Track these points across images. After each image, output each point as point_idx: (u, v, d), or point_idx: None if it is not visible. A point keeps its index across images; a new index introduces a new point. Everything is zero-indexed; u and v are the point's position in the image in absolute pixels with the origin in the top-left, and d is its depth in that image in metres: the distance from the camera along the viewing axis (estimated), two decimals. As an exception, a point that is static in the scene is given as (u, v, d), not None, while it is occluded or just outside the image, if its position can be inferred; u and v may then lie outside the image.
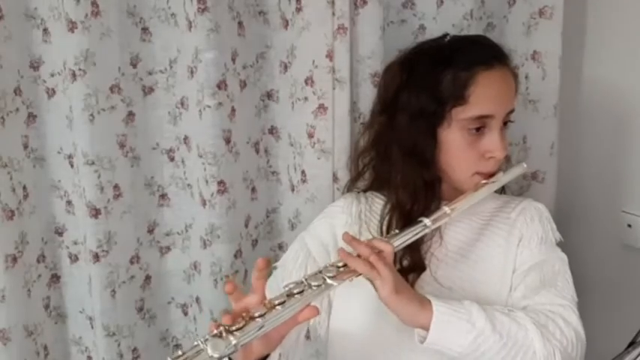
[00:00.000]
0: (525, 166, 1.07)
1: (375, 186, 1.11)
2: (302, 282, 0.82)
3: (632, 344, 0.75)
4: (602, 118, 1.30)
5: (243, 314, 0.77)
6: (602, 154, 1.31)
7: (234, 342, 0.73)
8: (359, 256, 0.85)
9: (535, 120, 1.29)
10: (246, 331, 0.75)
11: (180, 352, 0.72)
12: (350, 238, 0.87)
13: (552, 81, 1.28)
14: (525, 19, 1.27)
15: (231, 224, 1.22)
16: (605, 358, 0.75)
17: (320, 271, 0.84)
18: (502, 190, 1.12)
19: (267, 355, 0.86)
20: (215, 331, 0.74)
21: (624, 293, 1.28)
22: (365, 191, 1.12)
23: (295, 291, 0.80)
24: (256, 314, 0.77)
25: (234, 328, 0.75)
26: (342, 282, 0.84)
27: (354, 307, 0.97)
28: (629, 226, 1.25)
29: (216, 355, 0.71)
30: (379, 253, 0.85)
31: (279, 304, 0.78)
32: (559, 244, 1.02)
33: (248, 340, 0.75)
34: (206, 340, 0.73)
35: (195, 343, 0.73)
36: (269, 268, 0.83)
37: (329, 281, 0.82)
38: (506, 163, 1.10)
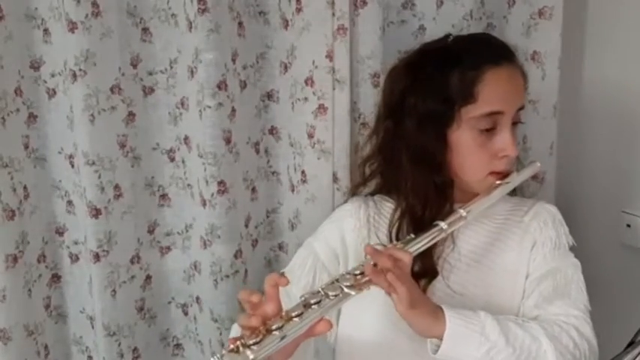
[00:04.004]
0: (539, 164, 1.06)
1: (383, 190, 1.10)
2: (319, 292, 0.80)
3: (631, 344, 0.75)
4: (601, 119, 1.30)
5: (260, 327, 0.76)
6: (602, 155, 1.32)
7: (251, 357, 0.72)
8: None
9: (535, 120, 1.29)
10: (263, 345, 0.74)
11: None
12: (372, 251, 0.85)
13: (552, 81, 1.28)
14: (525, 19, 1.27)
15: (231, 224, 1.22)
16: (605, 358, 0.76)
17: (337, 280, 0.82)
18: (513, 191, 1.11)
19: None
20: (232, 346, 0.73)
21: (623, 293, 1.28)
22: (373, 194, 1.12)
23: (312, 301, 0.79)
24: (274, 327, 0.75)
25: (251, 342, 0.73)
26: (360, 291, 0.82)
27: (366, 313, 0.96)
28: (629, 226, 1.25)
29: None
30: (397, 262, 0.84)
31: (296, 316, 0.77)
32: (570, 248, 1.01)
33: (266, 354, 0.74)
34: (222, 355, 0.72)
35: (212, 358, 0.72)
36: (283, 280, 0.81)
37: (347, 290, 0.81)
38: (517, 163, 1.10)
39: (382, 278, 0.82)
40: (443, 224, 0.91)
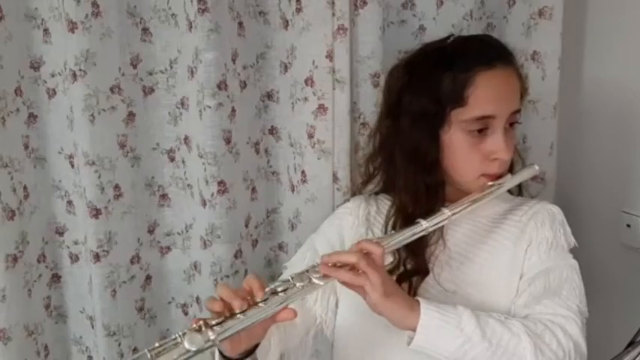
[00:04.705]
0: (537, 168, 1.05)
1: (384, 189, 1.12)
2: (288, 280, 0.82)
3: (631, 344, 0.75)
4: (601, 119, 1.30)
5: (225, 310, 0.78)
6: (602, 155, 1.32)
7: (212, 337, 0.74)
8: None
9: (534, 120, 1.29)
10: (225, 326, 0.76)
11: (157, 345, 0.73)
12: (329, 259, 0.85)
13: (552, 81, 1.28)
14: (525, 19, 1.27)
15: (231, 224, 1.22)
16: (605, 358, 0.76)
17: (306, 271, 0.84)
18: (519, 192, 1.11)
19: (257, 345, 0.87)
20: (194, 326, 0.75)
21: (623, 293, 1.28)
22: (377, 194, 1.12)
23: (280, 289, 0.81)
24: (237, 310, 0.78)
25: (214, 322, 0.76)
26: (327, 282, 0.84)
27: (360, 306, 0.97)
28: (629, 226, 1.25)
29: (193, 349, 0.72)
30: (367, 255, 0.84)
31: (261, 302, 0.79)
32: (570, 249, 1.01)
33: (227, 335, 0.76)
34: (184, 334, 0.74)
35: (174, 336, 0.74)
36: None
37: (315, 281, 0.83)
38: (522, 164, 1.09)
39: (340, 272, 0.83)
40: (423, 222, 0.91)
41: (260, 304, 0.79)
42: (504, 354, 0.83)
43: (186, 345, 0.73)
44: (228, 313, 0.78)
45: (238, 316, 0.77)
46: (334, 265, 0.84)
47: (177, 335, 0.74)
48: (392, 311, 0.84)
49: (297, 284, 0.82)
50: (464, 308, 0.86)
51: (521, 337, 0.84)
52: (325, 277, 0.83)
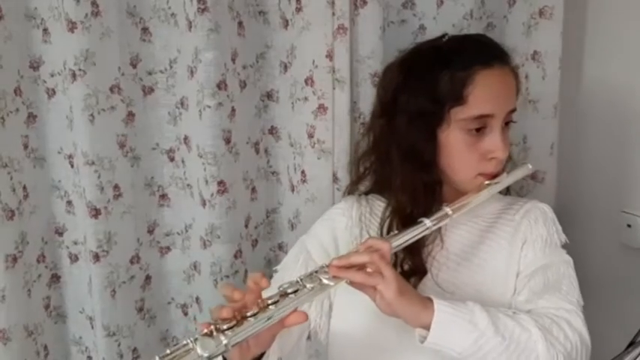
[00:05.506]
0: (530, 167, 1.05)
1: (376, 189, 1.11)
2: (297, 282, 0.81)
3: (631, 344, 0.75)
4: (602, 119, 1.30)
5: (235, 313, 0.76)
6: (602, 154, 1.31)
7: (224, 342, 0.72)
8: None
9: (535, 120, 1.29)
10: (237, 330, 0.74)
11: (168, 351, 0.70)
12: (340, 262, 0.84)
13: (552, 81, 1.27)
14: (525, 19, 1.27)
15: (231, 224, 1.22)
16: (605, 358, 0.75)
17: (315, 272, 0.83)
18: (507, 191, 1.11)
19: (263, 353, 0.86)
20: (205, 331, 0.73)
21: (624, 293, 1.28)
22: (367, 194, 1.12)
23: (289, 291, 0.80)
24: (248, 314, 0.76)
25: (225, 327, 0.74)
26: (338, 282, 0.83)
27: (356, 308, 0.97)
28: (629, 226, 1.24)
29: (205, 355, 0.70)
30: (376, 252, 0.83)
31: (272, 304, 0.78)
32: (564, 246, 1.01)
33: (239, 339, 0.74)
34: (196, 339, 0.72)
35: (185, 342, 0.72)
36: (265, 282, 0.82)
37: (325, 282, 0.81)
38: (512, 164, 1.10)
39: (351, 272, 0.82)
40: (427, 221, 0.90)
41: (270, 307, 0.77)
42: (517, 348, 0.83)
43: (199, 351, 0.71)
44: (239, 316, 0.76)
45: (249, 319, 0.75)
46: (343, 267, 0.84)
47: (188, 341, 0.72)
48: (406, 309, 0.83)
49: (308, 285, 0.80)
50: (474, 303, 0.85)
51: (532, 330, 0.84)
52: (335, 277, 0.82)
